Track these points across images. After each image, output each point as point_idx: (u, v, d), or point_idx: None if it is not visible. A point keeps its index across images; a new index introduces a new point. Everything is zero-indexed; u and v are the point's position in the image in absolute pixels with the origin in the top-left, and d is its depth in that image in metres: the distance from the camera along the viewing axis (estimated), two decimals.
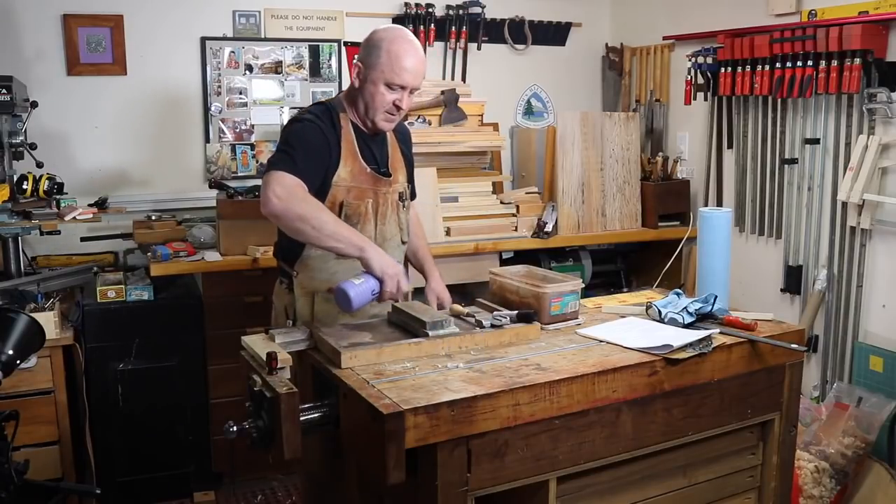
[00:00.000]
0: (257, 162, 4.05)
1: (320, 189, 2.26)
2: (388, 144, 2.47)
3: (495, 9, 4.39)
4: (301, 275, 2.38)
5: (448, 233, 3.74)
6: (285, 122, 2.44)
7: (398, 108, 2.31)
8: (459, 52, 4.34)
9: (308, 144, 2.24)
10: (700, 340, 2.08)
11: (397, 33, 2.32)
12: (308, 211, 2.11)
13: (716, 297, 2.29)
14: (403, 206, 2.49)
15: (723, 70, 3.78)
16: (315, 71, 4.12)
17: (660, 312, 2.27)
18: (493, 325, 2.13)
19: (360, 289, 2.07)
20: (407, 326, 2.15)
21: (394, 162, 2.47)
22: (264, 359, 1.91)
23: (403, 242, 2.49)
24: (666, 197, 4.14)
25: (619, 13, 4.70)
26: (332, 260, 2.32)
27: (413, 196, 2.64)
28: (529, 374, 1.88)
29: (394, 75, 2.26)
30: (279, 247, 2.47)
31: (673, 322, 2.23)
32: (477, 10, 4.32)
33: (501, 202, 3.96)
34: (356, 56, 2.37)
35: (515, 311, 2.20)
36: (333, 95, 2.54)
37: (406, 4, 4.20)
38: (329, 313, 2.35)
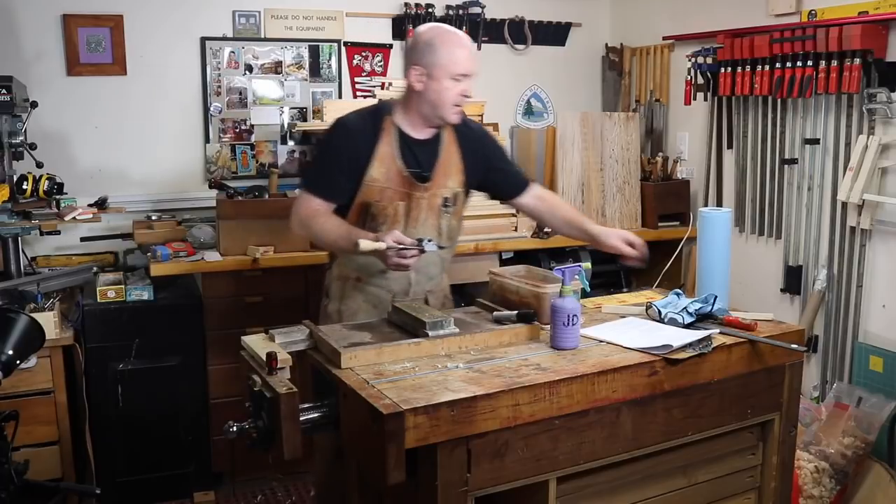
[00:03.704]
0: (257, 162, 4.05)
1: (356, 187, 2.44)
2: (440, 150, 2.52)
3: (495, 9, 4.39)
4: (337, 260, 2.62)
5: None
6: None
7: (465, 96, 2.41)
8: None
9: (334, 152, 2.46)
10: (700, 340, 2.08)
11: (442, 29, 2.46)
12: (316, 233, 2.46)
13: (716, 297, 2.29)
14: (447, 212, 2.54)
15: (723, 70, 3.78)
16: (315, 71, 4.11)
17: (660, 312, 2.27)
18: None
19: None
20: (407, 326, 2.15)
21: (443, 167, 2.52)
22: (264, 359, 1.91)
23: (441, 247, 2.50)
24: (666, 197, 4.14)
25: (619, 13, 4.70)
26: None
27: (525, 183, 2.76)
28: (529, 374, 1.88)
29: (457, 66, 2.38)
30: None
31: (673, 322, 2.23)
32: (477, 10, 4.32)
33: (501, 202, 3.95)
34: (410, 62, 2.46)
35: (515, 311, 2.20)
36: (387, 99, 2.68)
37: (406, 4, 4.20)
38: (354, 298, 2.56)
